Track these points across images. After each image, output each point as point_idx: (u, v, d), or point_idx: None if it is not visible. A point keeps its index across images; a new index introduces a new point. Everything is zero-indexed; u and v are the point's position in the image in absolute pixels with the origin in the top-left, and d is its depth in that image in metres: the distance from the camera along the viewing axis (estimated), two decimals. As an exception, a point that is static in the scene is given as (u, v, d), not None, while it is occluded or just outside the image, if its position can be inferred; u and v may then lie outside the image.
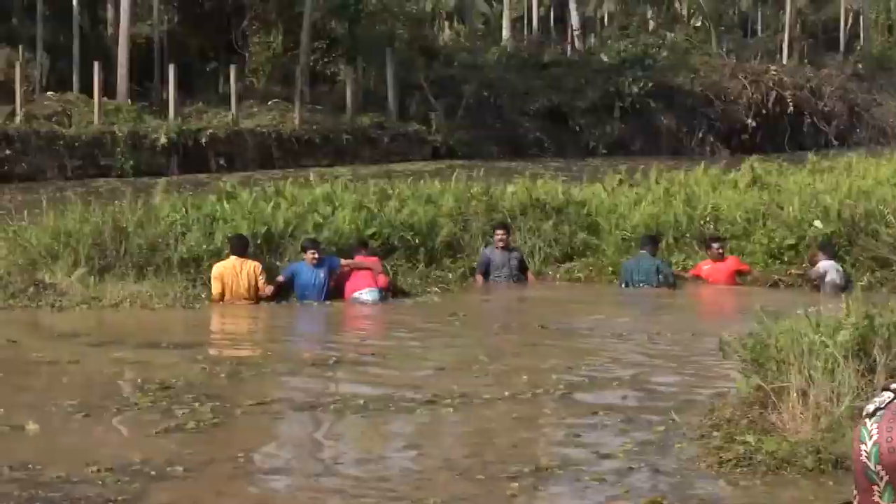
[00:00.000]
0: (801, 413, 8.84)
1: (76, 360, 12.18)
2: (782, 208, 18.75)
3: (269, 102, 38.79)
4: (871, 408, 6.31)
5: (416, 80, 42.01)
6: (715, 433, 9.02)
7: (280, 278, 16.04)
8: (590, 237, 18.85)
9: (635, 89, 44.60)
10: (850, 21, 63.72)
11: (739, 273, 17.73)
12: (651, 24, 57.72)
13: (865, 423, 6.22)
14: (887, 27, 67.78)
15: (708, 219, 18.89)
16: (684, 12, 60.38)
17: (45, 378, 11.53)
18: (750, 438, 8.64)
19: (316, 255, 15.97)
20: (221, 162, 34.88)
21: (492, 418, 10.02)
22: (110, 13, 41.74)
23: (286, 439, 9.61)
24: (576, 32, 53.10)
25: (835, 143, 47.38)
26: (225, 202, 17.82)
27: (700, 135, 46.20)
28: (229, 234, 16.27)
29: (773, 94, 48.63)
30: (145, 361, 12.10)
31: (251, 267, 15.75)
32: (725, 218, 18.91)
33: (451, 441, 9.54)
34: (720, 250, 17.81)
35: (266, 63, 42.20)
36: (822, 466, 8.31)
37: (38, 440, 9.18)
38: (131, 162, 33.16)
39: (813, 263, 17.16)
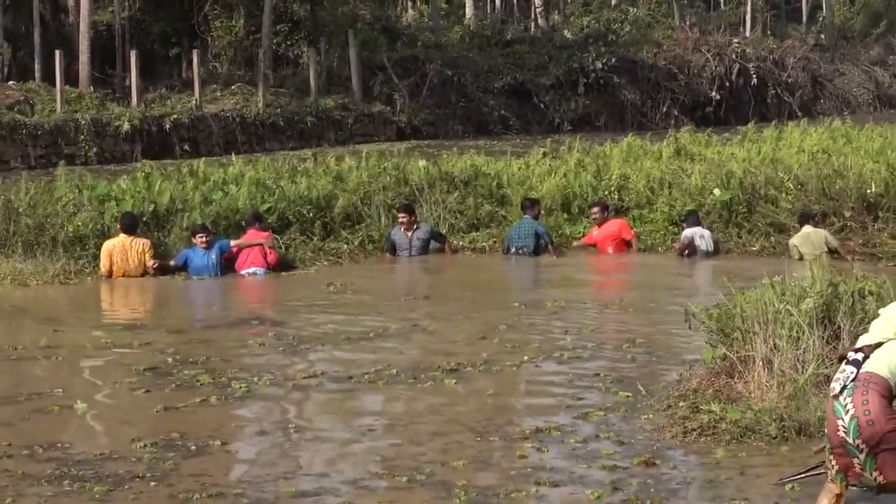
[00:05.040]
0: (766, 381, 8.92)
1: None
2: (689, 177, 19.06)
3: (233, 87, 38.50)
4: (836, 386, 6.34)
5: (379, 60, 41.87)
6: (681, 403, 9.08)
7: (172, 262, 16.45)
8: (497, 208, 19.14)
9: (599, 65, 44.57)
10: (811, -9, 63.78)
11: (628, 242, 17.93)
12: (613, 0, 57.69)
13: (838, 398, 6.24)
14: (849, -3, 67.98)
15: (614, 188, 19.24)
16: (646, -14, 60.32)
17: None
18: (715, 408, 8.71)
19: (205, 239, 16.35)
20: (186, 147, 34.61)
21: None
22: (71, 1, 41.44)
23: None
24: (538, 9, 52.97)
25: (799, 113, 47.42)
26: (121, 182, 18.29)
27: (664, 108, 46.23)
28: (118, 213, 16.72)
29: (737, 66, 48.73)
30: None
31: (140, 245, 16.26)
32: (632, 187, 19.24)
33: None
34: (595, 216, 18.26)
35: (228, 47, 41.92)
36: (785, 434, 8.38)
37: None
38: (95, 149, 32.93)
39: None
